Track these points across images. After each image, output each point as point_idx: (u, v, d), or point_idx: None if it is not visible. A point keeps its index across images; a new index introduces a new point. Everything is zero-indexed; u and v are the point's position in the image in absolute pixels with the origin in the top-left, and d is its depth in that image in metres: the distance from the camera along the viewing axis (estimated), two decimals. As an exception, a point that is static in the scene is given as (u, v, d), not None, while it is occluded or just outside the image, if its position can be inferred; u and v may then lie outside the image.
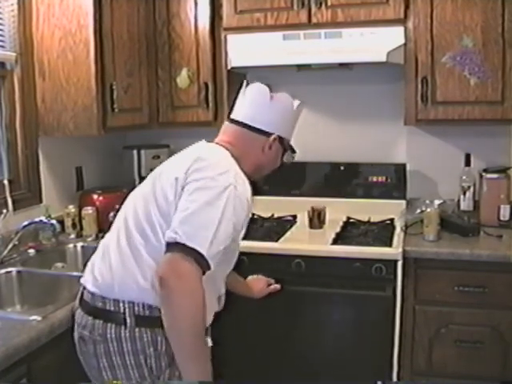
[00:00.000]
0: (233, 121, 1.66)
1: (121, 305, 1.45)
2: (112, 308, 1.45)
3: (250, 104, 1.64)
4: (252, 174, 1.63)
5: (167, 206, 1.44)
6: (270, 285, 2.05)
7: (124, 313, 1.44)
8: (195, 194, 1.39)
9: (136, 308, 1.44)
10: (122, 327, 1.44)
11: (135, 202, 1.55)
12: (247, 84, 1.69)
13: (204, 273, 1.35)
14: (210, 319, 1.60)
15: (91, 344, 1.48)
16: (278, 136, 1.64)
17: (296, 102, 1.71)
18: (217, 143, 1.62)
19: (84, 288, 1.56)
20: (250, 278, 2.03)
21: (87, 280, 1.55)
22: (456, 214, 2.60)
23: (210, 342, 1.64)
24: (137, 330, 1.43)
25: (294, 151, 1.74)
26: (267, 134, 1.62)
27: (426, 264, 2.27)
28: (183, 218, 1.36)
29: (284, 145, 1.69)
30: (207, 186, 1.40)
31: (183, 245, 1.32)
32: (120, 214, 1.60)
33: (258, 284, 2.02)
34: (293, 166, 2.89)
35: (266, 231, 2.56)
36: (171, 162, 1.59)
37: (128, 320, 1.44)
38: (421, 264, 2.27)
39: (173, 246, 1.34)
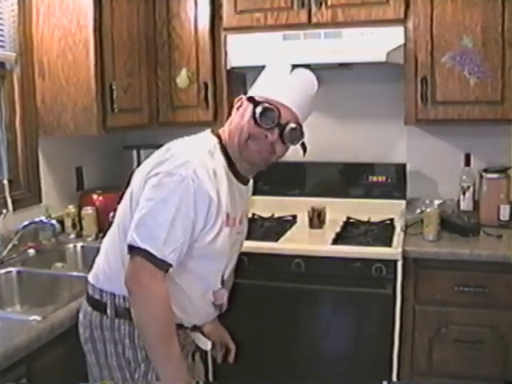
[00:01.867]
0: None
1: (104, 295, 1.51)
2: (97, 297, 1.53)
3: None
4: (240, 151, 1.48)
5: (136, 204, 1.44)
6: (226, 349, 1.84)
7: (105, 303, 1.50)
8: (151, 191, 1.38)
9: (117, 300, 1.49)
10: (104, 316, 1.50)
11: (125, 198, 1.55)
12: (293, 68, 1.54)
13: (167, 270, 1.36)
14: (201, 319, 1.61)
15: (81, 327, 1.57)
16: (248, 96, 1.49)
17: (289, 68, 1.54)
18: (217, 131, 1.55)
19: None
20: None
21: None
22: (456, 213, 2.60)
23: (209, 345, 1.66)
24: (116, 320, 1.49)
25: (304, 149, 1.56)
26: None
27: (425, 264, 2.27)
28: (139, 219, 1.37)
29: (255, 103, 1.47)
30: (162, 182, 1.37)
31: (138, 247, 1.34)
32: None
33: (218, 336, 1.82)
34: (293, 166, 2.91)
35: (265, 231, 2.56)
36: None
37: (108, 310, 1.49)
38: (421, 264, 2.27)
39: (131, 250, 1.36)
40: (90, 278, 1.58)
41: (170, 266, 1.37)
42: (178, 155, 1.40)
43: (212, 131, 1.56)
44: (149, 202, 1.37)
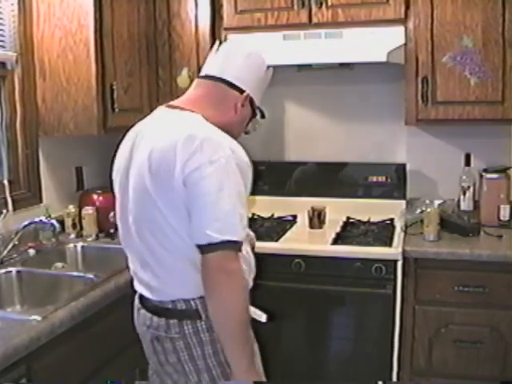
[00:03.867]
0: (204, 76, 1.59)
1: (191, 302, 1.48)
2: (184, 307, 1.49)
3: (225, 58, 1.58)
4: (233, 133, 1.55)
5: (173, 201, 1.41)
6: None
7: (196, 308, 1.48)
8: (202, 186, 1.36)
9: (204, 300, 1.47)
10: (198, 321, 1.48)
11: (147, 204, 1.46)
12: (220, 43, 1.63)
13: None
14: (252, 272, 1.64)
15: (169, 342, 1.52)
16: (249, 95, 1.58)
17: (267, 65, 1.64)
18: (182, 108, 1.54)
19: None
20: None
21: (142, 289, 1.57)
22: (456, 213, 2.60)
23: (264, 318, 1.72)
24: (209, 320, 1.46)
25: (263, 116, 1.66)
26: (240, 91, 1.56)
27: (426, 264, 2.27)
28: (206, 216, 1.36)
29: (253, 108, 1.62)
30: (208, 173, 1.36)
31: (219, 242, 1.35)
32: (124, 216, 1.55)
33: None
34: (293, 166, 2.91)
35: (265, 231, 2.56)
36: (156, 153, 1.43)
37: (202, 314, 1.47)
38: (421, 264, 2.27)
39: (209, 247, 1.36)
40: (156, 296, 1.52)
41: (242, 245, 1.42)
42: (207, 141, 1.39)
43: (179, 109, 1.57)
44: (206, 197, 1.36)
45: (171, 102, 1.61)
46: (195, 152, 1.37)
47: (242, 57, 1.58)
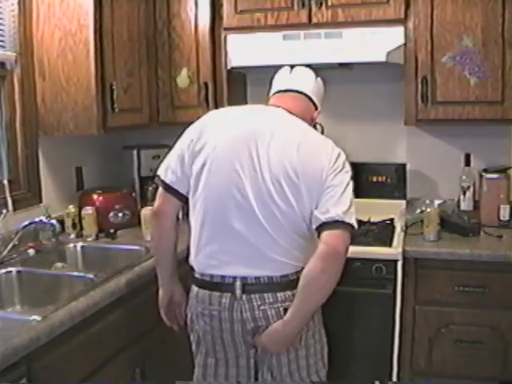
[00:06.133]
0: (285, 90, 1.79)
1: (289, 276, 1.63)
2: (282, 280, 1.63)
3: (300, 77, 1.82)
4: None
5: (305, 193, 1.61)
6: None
7: (293, 280, 1.62)
8: (337, 177, 1.63)
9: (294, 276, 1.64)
10: (288, 291, 1.63)
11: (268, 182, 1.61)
12: (291, 66, 1.86)
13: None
14: None
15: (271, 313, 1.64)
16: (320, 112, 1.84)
17: None
18: (289, 111, 1.73)
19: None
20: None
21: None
22: (456, 214, 2.60)
23: None
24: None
25: (323, 131, 2.02)
26: (316, 107, 1.82)
27: (426, 264, 2.27)
28: (336, 200, 1.60)
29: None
30: (340, 169, 1.64)
31: (342, 222, 1.57)
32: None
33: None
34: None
35: (266, 231, 2.56)
36: (306, 153, 1.63)
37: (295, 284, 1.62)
38: (421, 264, 2.27)
39: (334, 223, 1.56)
40: (269, 272, 1.63)
41: None
42: (339, 153, 1.68)
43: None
44: (338, 187, 1.62)
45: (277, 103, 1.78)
46: (336, 160, 1.66)
47: (313, 80, 1.84)
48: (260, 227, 1.60)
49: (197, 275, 1.71)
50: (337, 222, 1.57)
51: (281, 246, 1.61)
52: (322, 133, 1.95)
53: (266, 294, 1.62)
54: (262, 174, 1.59)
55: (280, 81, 1.84)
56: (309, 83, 1.81)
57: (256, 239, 1.61)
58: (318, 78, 1.86)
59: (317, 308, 1.70)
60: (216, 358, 1.73)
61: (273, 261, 1.61)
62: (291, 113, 1.72)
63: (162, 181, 1.74)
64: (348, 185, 1.66)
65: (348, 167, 1.69)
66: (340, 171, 1.65)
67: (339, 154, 1.67)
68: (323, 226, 1.57)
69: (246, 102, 2.94)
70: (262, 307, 1.62)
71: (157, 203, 1.78)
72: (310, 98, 1.79)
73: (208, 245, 1.67)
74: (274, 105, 1.77)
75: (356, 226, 1.63)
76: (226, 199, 1.61)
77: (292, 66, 1.86)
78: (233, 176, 1.61)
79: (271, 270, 1.62)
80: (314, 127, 1.83)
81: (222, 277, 1.64)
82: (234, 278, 1.63)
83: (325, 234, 1.56)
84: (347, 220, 1.58)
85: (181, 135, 1.78)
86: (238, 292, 1.62)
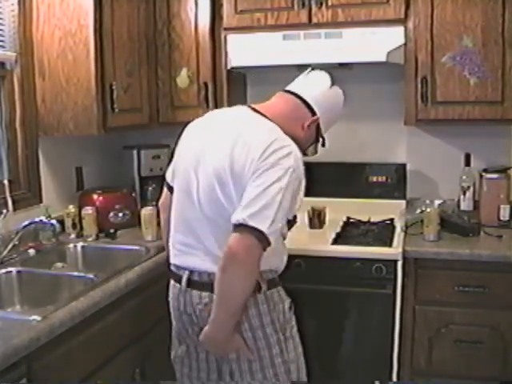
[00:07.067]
0: (286, 91, 1.78)
1: None
2: None
3: (311, 81, 1.79)
4: (300, 145, 1.69)
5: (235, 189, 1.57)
6: None
7: (257, 281, 1.60)
8: (262, 177, 1.51)
9: (264, 275, 1.64)
10: (257, 293, 1.63)
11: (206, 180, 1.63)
12: (311, 69, 1.83)
13: (264, 249, 1.50)
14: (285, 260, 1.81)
15: None
16: (318, 119, 1.75)
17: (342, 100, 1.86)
18: (264, 114, 1.68)
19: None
20: None
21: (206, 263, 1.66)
22: (456, 214, 2.60)
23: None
24: (268, 292, 1.66)
25: (323, 144, 1.84)
26: (312, 112, 1.74)
27: (426, 264, 2.27)
28: (249, 202, 1.49)
29: (317, 134, 1.79)
30: (267, 167, 1.51)
31: (246, 226, 1.47)
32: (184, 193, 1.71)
33: None
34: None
35: (266, 231, 2.56)
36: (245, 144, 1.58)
37: (263, 286, 1.64)
38: (421, 264, 2.27)
39: (238, 227, 1.48)
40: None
41: (269, 245, 1.54)
42: (282, 147, 1.57)
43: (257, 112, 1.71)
44: (258, 187, 1.52)
45: (254, 105, 1.75)
46: (273, 153, 1.54)
47: (326, 86, 1.79)
48: (207, 225, 1.64)
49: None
50: (241, 225, 1.48)
51: (225, 245, 1.54)
52: (323, 145, 1.85)
53: (203, 293, 1.64)
54: (207, 173, 1.63)
55: (294, 81, 1.83)
56: (315, 89, 1.76)
57: (205, 236, 1.65)
58: (335, 87, 1.81)
59: (233, 313, 1.57)
60: (187, 344, 1.78)
61: (217, 258, 1.57)
62: (266, 115, 1.67)
63: (164, 177, 1.89)
64: (271, 185, 1.50)
65: (284, 166, 1.52)
66: (267, 170, 1.51)
67: (274, 151, 1.53)
68: (233, 228, 1.51)
69: (245, 102, 2.94)
70: (199, 306, 1.66)
71: (161, 198, 1.95)
72: (307, 104, 1.73)
73: (173, 235, 1.78)
74: (263, 104, 1.75)
75: (266, 230, 1.47)
76: (183, 196, 1.71)
77: (313, 68, 1.85)
78: (186, 176, 1.69)
79: (215, 267, 1.57)
80: (316, 140, 1.81)
81: (176, 266, 1.73)
82: (184, 269, 1.69)
83: (231, 236, 1.50)
84: (251, 223, 1.46)
85: (181, 135, 1.80)
86: (183, 284, 1.68)
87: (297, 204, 1.61)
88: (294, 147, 1.59)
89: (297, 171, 1.55)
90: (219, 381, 1.73)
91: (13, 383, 1.41)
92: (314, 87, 1.77)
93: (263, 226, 1.47)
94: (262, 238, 1.47)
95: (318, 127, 1.78)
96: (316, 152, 1.87)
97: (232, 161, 1.57)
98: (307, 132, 1.75)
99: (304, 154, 1.74)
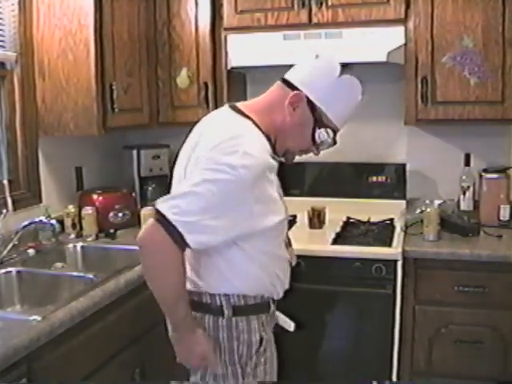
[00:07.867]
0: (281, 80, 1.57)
1: (217, 298, 1.52)
2: (209, 301, 1.53)
3: (300, 65, 1.57)
4: (277, 147, 1.54)
5: None
6: None
7: (221, 305, 1.51)
8: (195, 172, 1.41)
9: (232, 300, 1.51)
10: (220, 317, 1.52)
11: None
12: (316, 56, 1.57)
13: (176, 242, 1.36)
14: (280, 292, 1.67)
15: None
16: (305, 96, 1.48)
17: (356, 84, 1.62)
18: (242, 111, 1.51)
19: None
20: None
21: None
22: (456, 214, 2.60)
23: (292, 327, 1.76)
24: (233, 319, 1.52)
25: (335, 132, 1.57)
26: (294, 89, 1.48)
27: (426, 264, 2.27)
28: (175, 193, 1.42)
29: (316, 115, 1.50)
30: (202, 166, 1.39)
31: (156, 210, 1.38)
32: None
33: None
34: (293, 166, 2.90)
35: (266, 231, 2.56)
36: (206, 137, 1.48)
37: (226, 311, 1.51)
38: (421, 264, 2.28)
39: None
40: (190, 286, 1.53)
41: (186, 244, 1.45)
42: (226, 141, 1.42)
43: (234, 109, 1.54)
44: (187, 181, 1.45)
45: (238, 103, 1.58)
46: (213, 148, 1.40)
47: (311, 60, 1.55)
48: None
49: None
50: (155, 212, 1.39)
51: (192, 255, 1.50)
52: (335, 142, 1.63)
53: None
54: (176, 178, 1.58)
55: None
56: (302, 68, 1.55)
57: None
58: (321, 56, 1.55)
59: (166, 310, 1.49)
60: None
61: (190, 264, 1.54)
62: (243, 112, 1.51)
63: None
64: (196, 176, 1.38)
65: (221, 161, 1.35)
66: (201, 163, 1.40)
67: (220, 149, 1.38)
68: None
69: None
70: None
71: None
72: (288, 83, 1.51)
73: None
74: (248, 101, 1.63)
75: (170, 215, 1.34)
76: None
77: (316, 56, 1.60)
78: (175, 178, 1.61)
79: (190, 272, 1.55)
80: (318, 126, 1.54)
81: None
82: None
83: None
84: (157, 206, 1.38)
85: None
86: None
87: (252, 211, 1.40)
88: (249, 147, 1.38)
89: (243, 172, 1.34)
90: None
91: (13, 383, 1.41)
92: (301, 67, 1.55)
93: (167, 211, 1.35)
94: (167, 225, 1.34)
95: (312, 108, 1.50)
96: (332, 141, 1.62)
97: (188, 162, 1.49)
98: (294, 115, 1.49)
99: (313, 150, 1.64)
